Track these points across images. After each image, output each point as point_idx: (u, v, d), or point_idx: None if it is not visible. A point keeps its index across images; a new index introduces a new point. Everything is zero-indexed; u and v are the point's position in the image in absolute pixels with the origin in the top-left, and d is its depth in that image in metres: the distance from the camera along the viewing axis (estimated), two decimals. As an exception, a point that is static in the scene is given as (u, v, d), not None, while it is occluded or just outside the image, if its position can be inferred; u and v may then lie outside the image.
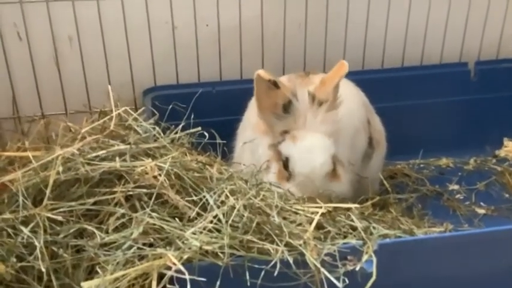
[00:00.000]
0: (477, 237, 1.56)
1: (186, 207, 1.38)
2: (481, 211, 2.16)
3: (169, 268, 1.25)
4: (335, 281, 1.30)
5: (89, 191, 1.38)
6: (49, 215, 1.31)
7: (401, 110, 2.40)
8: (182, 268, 1.23)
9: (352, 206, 1.54)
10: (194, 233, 1.30)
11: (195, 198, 1.41)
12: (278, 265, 1.29)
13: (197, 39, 2.29)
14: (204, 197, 1.40)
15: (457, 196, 2.25)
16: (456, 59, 2.52)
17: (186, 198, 1.40)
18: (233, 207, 1.36)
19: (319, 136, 1.64)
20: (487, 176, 2.37)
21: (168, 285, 1.24)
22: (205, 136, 1.61)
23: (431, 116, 2.44)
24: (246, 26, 2.31)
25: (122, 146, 1.42)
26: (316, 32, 2.37)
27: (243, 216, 1.35)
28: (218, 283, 1.26)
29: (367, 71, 2.44)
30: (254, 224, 1.34)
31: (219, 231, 1.33)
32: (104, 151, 1.41)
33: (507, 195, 2.26)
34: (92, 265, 1.31)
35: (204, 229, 1.32)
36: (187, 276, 1.22)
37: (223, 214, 1.35)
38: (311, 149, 1.63)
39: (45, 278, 1.27)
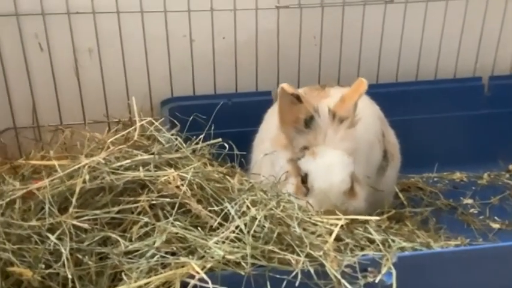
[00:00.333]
0: (495, 251, 1.57)
1: (208, 217, 1.40)
2: (496, 225, 2.17)
3: (192, 277, 1.27)
4: (355, 293, 1.32)
5: (113, 200, 1.40)
6: (75, 222, 1.33)
7: (415, 124, 2.42)
8: (205, 277, 1.25)
9: (371, 218, 1.55)
10: (217, 243, 1.32)
11: (216, 208, 1.43)
12: (299, 275, 1.30)
13: (214, 52, 2.33)
14: (226, 207, 1.42)
15: (471, 210, 2.26)
16: (470, 73, 2.54)
17: (208, 208, 1.42)
18: (254, 218, 1.38)
19: (339, 153, 1.65)
20: (500, 191, 2.37)
21: (190, 294, 1.26)
22: (224, 147, 1.64)
23: (445, 130, 2.45)
24: (262, 39, 2.35)
25: (146, 156, 1.45)
26: (331, 45, 2.41)
27: (264, 226, 1.37)
28: (240, 292, 1.28)
29: (381, 85, 2.46)
30: (275, 235, 1.36)
31: (240, 241, 1.34)
32: (128, 160, 1.43)
33: (521, 210, 2.27)
34: (115, 273, 1.33)
35: (227, 239, 1.34)
36: (210, 285, 1.24)
37: (245, 224, 1.37)
38: (330, 166, 1.63)
39: (70, 284, 1.29)
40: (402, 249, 1.49)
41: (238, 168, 1.69)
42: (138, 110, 1.65)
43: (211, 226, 1.39)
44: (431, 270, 1.49)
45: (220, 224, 1.40)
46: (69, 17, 2.18)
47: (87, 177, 1.38)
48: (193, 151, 1.60)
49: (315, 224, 1.48)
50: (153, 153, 1.49)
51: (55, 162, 1.45)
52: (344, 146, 1.67)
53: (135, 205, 1.39)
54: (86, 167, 1.39)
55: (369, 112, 1.99)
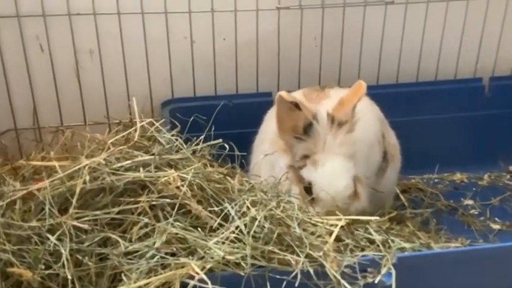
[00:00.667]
0: (495, 252, 1.57)
1: (208, 218, 1.40)
2: (496, 226, 2.16)
3: (191, 277, 1.27)
4: (354, 293, 1.32)
5: (114, 201, 1.40)
6: (75, 223, 1.33)
7: (416, 125, 2.41)
8: (205, 277, 1.25)
9: (371, 218, 1.56)
10: (216, 243, 1.32)
11: (216, 208, 1.43)
12: (299, 276, 1.30)
13: (214, 53, 2.34)
14: (226, 207, 1.42)
15: (472, 211, 2.25)
16: (470, 74, 2.54)
17: (208, 209, 1.42)
18: (254, 218, 1.38)
19: (340, 159, 1.65)
20: (501, 192, 2.37)
21: (190, 295, 1.26)
22: (224, 148, 1.64)
23: (445, 131, 2.45)
24: (262, 40, 2.35)
25: (147, 157, 1.45)
26: (332, 46, 2.41)
27: (264, 227, 1.37)
28: (240, 293, 1.28)
29: (382, 86, 2.46)
30: (275, 235, 1.36)
31: (240, 241, 1.35)
32: (128, 161, 1.44)
33: (522, 211, 2.27)
34: (115, 273, 1.33)
35: (226, 239, 1.34)
36: (210, 286, 1.24)
37: (245, 225, 1.37)
38: (333, 174, 1.64)
39: (69, 285, 1.29)
40: (402, 249, 1.49)
41: (238, 169, 1.70)
42: (139, 111, 1.65)
43: (211, 227, 1.40)
44: (431, 271, 1.49)
45: (220, 225, 1.40)
46: (70, 18, 2.18)
47: (87, 178, 1.38)
48: (194, 152, 1.60)
49: (315, 225, 1.48)
50: (153, 154, 1.49)
51: (55, 163, 1.46)
52: (344, 151, 1.66)
53: (135, 206, 1.40)
54: (87, 167, 1.39)
55: (368, 113, 1.99)
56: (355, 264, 1.36)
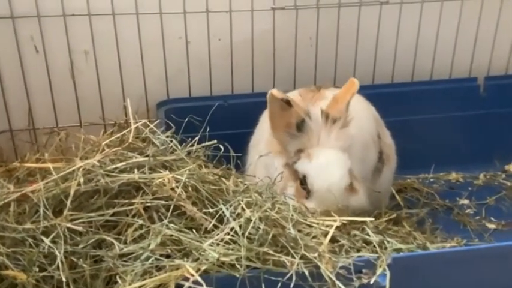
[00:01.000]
0: (491, 251, 1.57)
1: (203, 219, 1.40)
2: (491, 226, 2.17)
3: (186, 279, 1.26)
4: (349, 294, 1.32)
5: (108, 202, 1.40)
6: (69, 225, 1.33)
7: (411, 125, 2.42)
8: (200, 279, 1.25)
9: (367, 219, 1.55)
10: (211, 245, 1.32)
11: (211, 210, 1.43)
12: (294, 277, 1.30)
13: (210, 54, 2.33)
14: (221, 209, 1.42)
15: (467, 211, 2.26)
16: (466, 74, 2.55)
17: (203, 210, 1.42)
18: (249, 220, 1.38)
19: (334, 151, 1.66)
20: (496, 191, 2.38)
21: (185, 296, 1.26)
22: (219, 149, 1.64)
23: (440, 131, 2.46)
24: (257, 40, 2.35)
25: (141, 158, 1.45)
26: (327, 46, 2.41)
27: (259, 228, 1.36)
28: (235, 294, 1.28)
29: (377, 86, 2.47)
30: (270, 237, 1.36)
31: (235, 243, 1.34)
32: (123, 163, 1.43)
33: (517, 210, 2.28)
34: (110, 275, 1.33)
35: (221, 241, 1.34)
36: (204, 288, 1.24)
37: (240, 226, 1.37)
38: (327, 165, 1.64)
39: (64, 287, 1.29)
40: (398, 250, 1.49)
41: (234, 170, 1.69)
42: (134, 112, 1.65)
43: (206, 228, 1.39)
44: (427, 271, 1.50)
45: (215, 226, 1.40)
46: (65, 19, 2.17)
47: (81, 179, 1.38)
48: (189, 153, 1.60)
49: (310, 226, 1.48)
50: (148, 156, 1.49)
51: (50, 165, 1.45)
52: (338, 145, 1.67)
53: (130, 207, 1.39)
54: (81, 169, 1.39)
55: (364, 113, 2.00)
56: (350, 265, 1.35)
